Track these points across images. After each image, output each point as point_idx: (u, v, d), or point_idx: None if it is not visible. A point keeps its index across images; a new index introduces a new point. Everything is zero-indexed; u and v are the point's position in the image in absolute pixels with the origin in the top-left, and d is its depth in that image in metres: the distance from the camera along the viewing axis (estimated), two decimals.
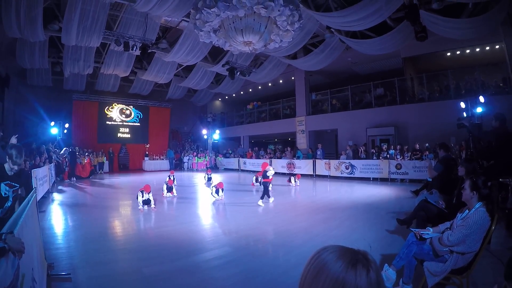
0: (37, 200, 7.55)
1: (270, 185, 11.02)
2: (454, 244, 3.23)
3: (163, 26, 17.01)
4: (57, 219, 8.10)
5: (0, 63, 17.11)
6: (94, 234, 6.38)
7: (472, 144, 7.69)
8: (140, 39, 15.45)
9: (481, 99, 9.75)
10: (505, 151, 5.91)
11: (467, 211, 3.36)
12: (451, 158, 6.61)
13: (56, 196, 11.71)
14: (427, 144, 14.61)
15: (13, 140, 5.75)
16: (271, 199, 10.22)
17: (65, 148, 17.62)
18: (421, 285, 3.51)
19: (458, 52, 16.90)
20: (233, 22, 9.80)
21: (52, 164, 14.39)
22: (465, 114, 10.38)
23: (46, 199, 10.79)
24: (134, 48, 15.63)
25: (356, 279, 0.85)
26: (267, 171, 10.10)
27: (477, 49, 16.23)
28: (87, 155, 20.02)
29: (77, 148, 20.15)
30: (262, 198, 9.89)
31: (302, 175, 16.72)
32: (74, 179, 17.17)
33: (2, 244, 1.84)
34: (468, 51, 16.54)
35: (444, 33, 13.00)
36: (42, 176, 10.60)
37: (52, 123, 17.31)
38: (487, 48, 15.87)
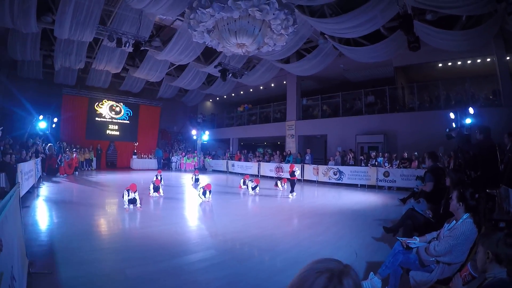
0: (22, 195, 7.43)
1: (258, 187, 13.11)
2: (441, 255, 3.23)
3: (157, 24, 16.90)
4: (41, 215, 7.95)
5: None
6: (78, 232, 6.27)
7: (460, 155, 7.75)
8: (133, 36, 15.31)
9: (471, 110, 9.86)
10: (490, 164, 5.96)
11: (454, 221, 3.36)
12: (439, 168, 6.64)
13: (42, 192, 11.53)
14: (415, 153, 14.72)
15: None
16: (294, 194, 12.37)
17: (50, 144, 17.37)
18: None
19: (449, 64, 17.07)
20: (227, 24, 9.78)
21: (39, 159, 14.14)
22: (454, 125, 10.47)
23: (31, 194, 10.60)
24: (127, 45, 15.47)
25: (312, 285, 0.86)
26: (295, 171, 12.44)
27: (469, 61, 16.41)
28: (75, 151, 19.80)
29: (64, 143, 19.91)
30: (291, 192, 12.41)
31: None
32: (59, 175, 16.92)
33: None
34: (459, 62, 16.71)
35: (437, 44, 13.15)
36: (27, 170, 10.40)
37: (41, 117, 17.06)
38: (479, 60, 16.05)
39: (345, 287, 0.87)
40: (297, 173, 12.86)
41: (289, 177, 12.94)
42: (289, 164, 14.93)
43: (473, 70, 16.56)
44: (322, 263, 0.94)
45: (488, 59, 15.41)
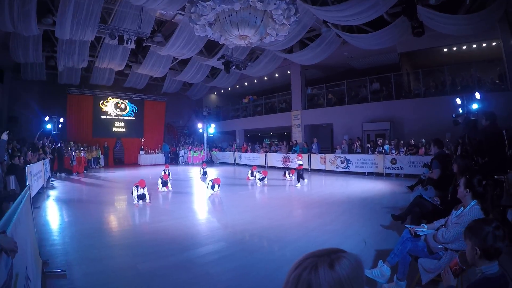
0: (32, 196, 7.53)
1: (266, 179, 13.21)
2: (449, 242, 3.24)
3: (158, 19, 16.84)
4: (52, 215, 8.07)
5: None
6: (89, 229, 6.36)
7: (467, 141, 7.70)
8: (135, 33, 15.31)
9: (477, 95, 9.76)
10: (497, 150, 5.92)
11: (462, 208, 3.36)
12: (446, 154, 6.62)
13: (51, 192, 11.66)
14: (423, 140, 14.63)
15: (4, 136, 5.70)
16: (301, 183, 12.77)
17: (59, 145, 17.57)
18: (415, 282, 3.53)
19: (454, 48, 16.86)
20: (229, 16, 9.75)
21: (47, 160, 14.26)
22: (461, 110, 10.38)
23: (41, 194, 10.72)
24: (129, 42, 15.49)
25: (295, 271, 0.87)
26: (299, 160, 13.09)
27: (474, 46, 16.19)
28: (83, 149, 19.95)
29: (71, 143, 20.09)
30: (298, 181, 12.82)
31: None
32: (63, 174, 17.00)
33: None
34: (464, 47, 16.50)
35: (441, 29, 12.98)
36: (36, 171, 10.50)
37: (47, 118, 17.18)
38: (484, 44, 15.83)
39: (318, 275, 0.88)
40: (299, 162, 12.94)
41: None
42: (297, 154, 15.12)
43: (478, 55, 16.35)
44: (315, 252, 0.94)
45: (494, 43, 15.18)
